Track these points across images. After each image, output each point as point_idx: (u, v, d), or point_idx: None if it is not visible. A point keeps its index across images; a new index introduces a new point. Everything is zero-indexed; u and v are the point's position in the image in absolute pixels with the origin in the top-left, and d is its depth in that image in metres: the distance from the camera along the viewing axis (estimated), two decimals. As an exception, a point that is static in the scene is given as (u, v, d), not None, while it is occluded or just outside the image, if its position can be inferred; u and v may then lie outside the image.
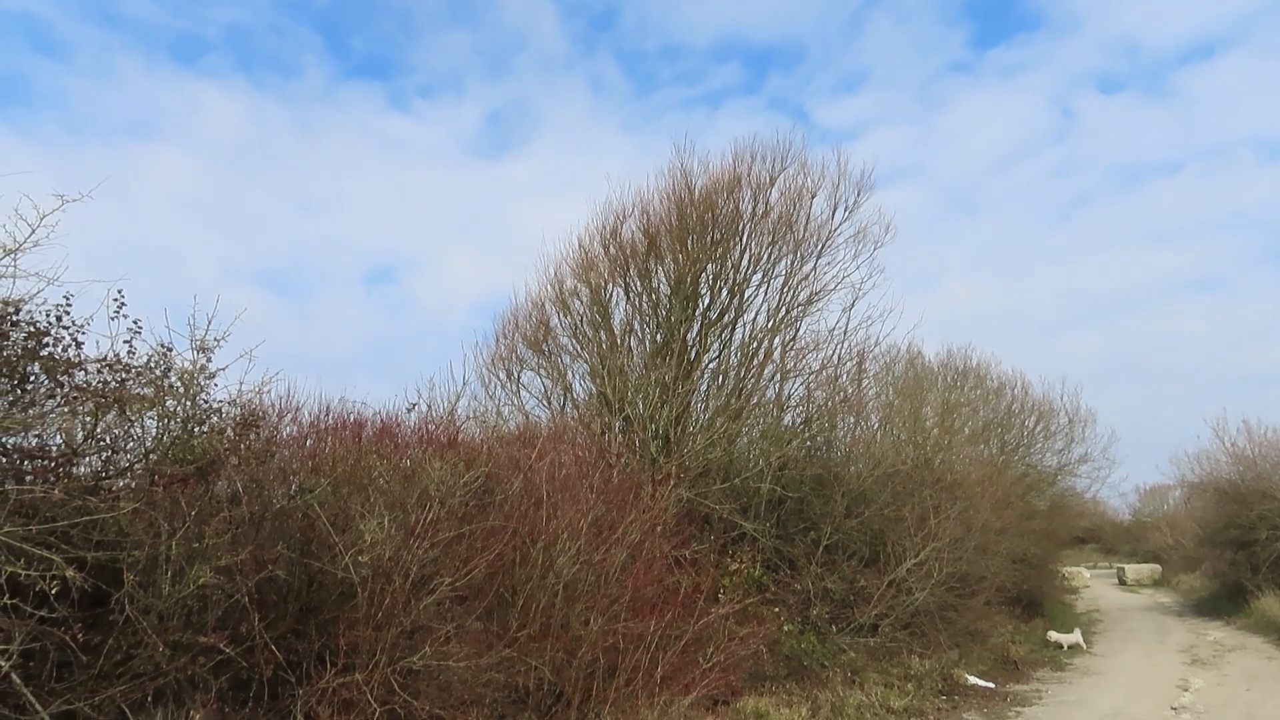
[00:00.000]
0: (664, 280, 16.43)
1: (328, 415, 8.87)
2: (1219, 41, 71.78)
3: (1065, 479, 29.03)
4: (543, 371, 16.70)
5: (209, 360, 7.10)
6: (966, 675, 13.97)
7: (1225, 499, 24.84)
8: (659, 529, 10.95)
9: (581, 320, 16.57)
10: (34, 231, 5.74)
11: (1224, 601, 24.72)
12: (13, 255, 5.79)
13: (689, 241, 16.25)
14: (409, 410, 10.28)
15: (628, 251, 16.43)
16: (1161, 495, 43.91)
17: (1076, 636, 18.55)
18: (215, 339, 7.06)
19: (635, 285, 16.53)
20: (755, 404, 16.42)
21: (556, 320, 16.79)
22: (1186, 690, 13.48)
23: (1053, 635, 18.55)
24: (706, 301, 16.39)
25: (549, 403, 16.51)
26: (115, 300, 6.45)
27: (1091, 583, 36.77)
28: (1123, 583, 37.47)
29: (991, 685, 13.90)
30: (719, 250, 16.36)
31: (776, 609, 13.43)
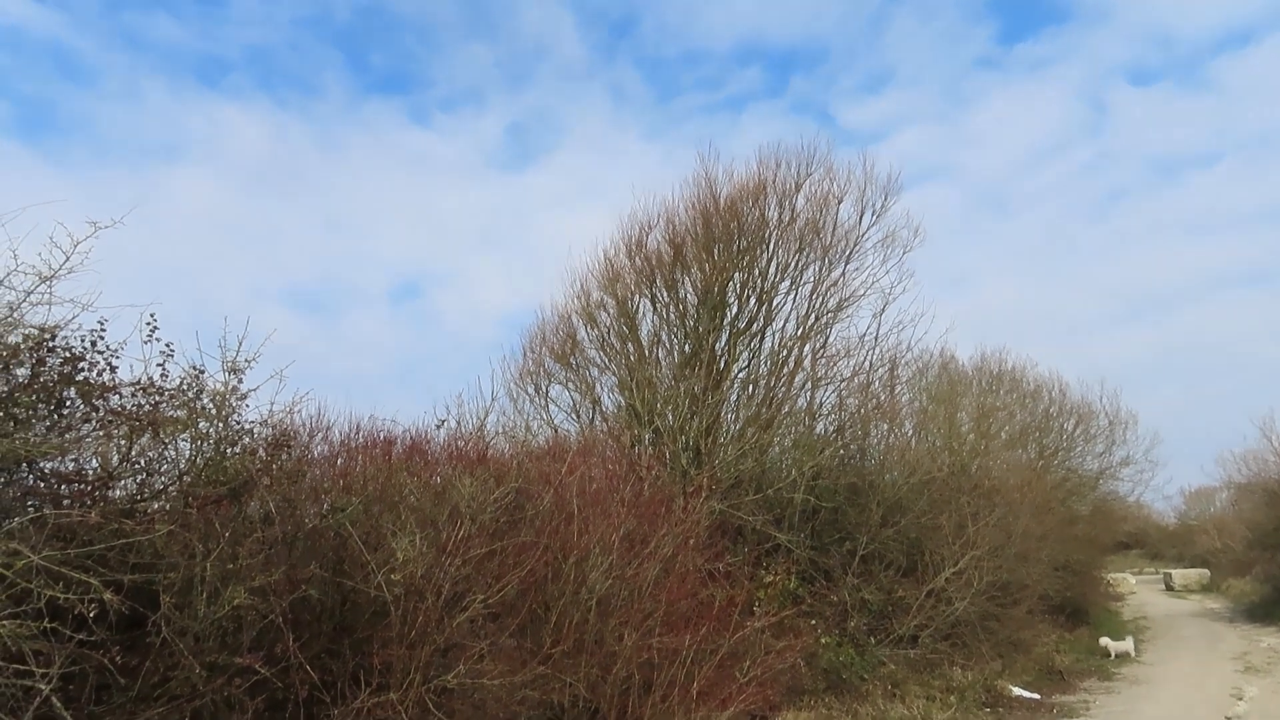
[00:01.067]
0: (691, 290, 16.50)
1: (358, 434, 8.89)
2: (1255, 28, 70.48)
3: (1107, 483, 28.54)
4: (571, 385, 16.79)
5: (240, 381, 7.15)
6: (1010, 686, 13.69)
7: (1275, 500, 24.20)
8: (692, 542, 10.86)
9: (609, 332, 16.65)
10: (68, 258, 5.85)
11: (1277, 606, 24.06)
12: (48, 282, 5.89)
13: (715, 250, 16.26)
14: (438, 427, 10.30)
15: (654, 262, 16.49)
16: (1208, 497, 42.85)
17: (1128, 644, 18.12)
18: (246, 360, 7.12)
19: (662, 296, 16.56)
20: (786, 413, 16.36)
21: (583, 333, 16.89)
22: (1240, 699, 13.11)
23: (1105, 642, 18.11)
24: (734, 310, 16.41)
25: (578, 416, 16.59)
26: (148, 324, 6.54)
27: (1137, 589, 35.96)
28: (1170, 588, 36.58)
29: (1037, 696, 13.62)
30: (746, 258, 16.35)
31: (813, 621, 13.28)
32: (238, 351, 7.09)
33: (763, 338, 16.55)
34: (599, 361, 16.68)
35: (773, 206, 16.60)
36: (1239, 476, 26.94)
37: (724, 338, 16.20)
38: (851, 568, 14.39)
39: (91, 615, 5.17)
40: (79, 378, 6.19)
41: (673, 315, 16.51)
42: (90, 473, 6.24)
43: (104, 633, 5.33)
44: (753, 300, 16.46)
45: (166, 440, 6.71)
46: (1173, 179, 78.40)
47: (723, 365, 16.13)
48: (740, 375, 16.45)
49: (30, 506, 5.65)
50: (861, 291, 16.84)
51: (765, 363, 16.53)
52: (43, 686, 4.93)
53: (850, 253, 16.91)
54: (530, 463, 10.29)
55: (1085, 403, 27.65)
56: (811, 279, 16.79)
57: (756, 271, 16.39)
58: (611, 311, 16.59)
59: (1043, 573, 17.49)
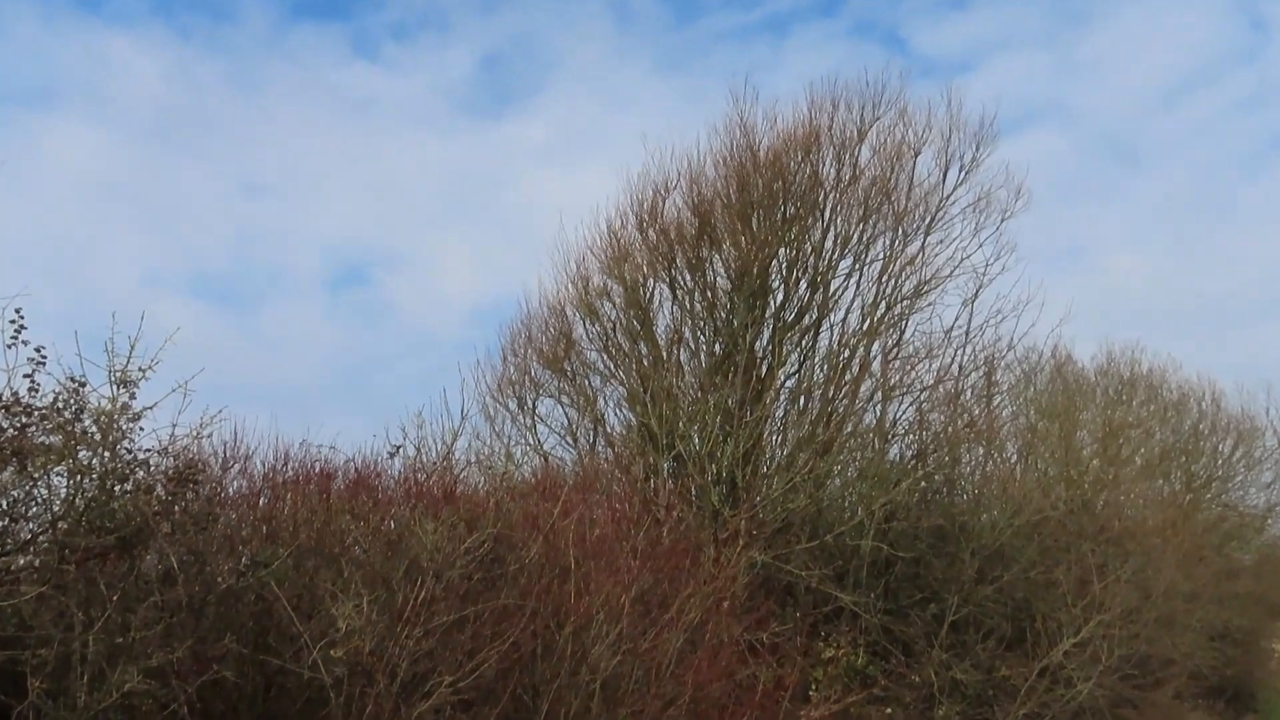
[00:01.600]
0: (722, 272, 16.45)
1: (286, 464, 8.88)
2: None
3: (1278, 524, 28.30)
4: (565, 398, 16.78)
5: (132, 397, 7.16)
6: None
7: None
8: (726, 605, 10.84)
9: (614, 329, 16.58)
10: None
11: None
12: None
13: (753, 219, 16.19)
14: (391, 455, 10.37)
15: (673, 236, 16.43)
16: None
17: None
18: (140, 369, 7.10)
19: (684, 280, 16.51)
20: (850, 433, 16.27)
21: (582, 330, 16.83)
22: None
23: None
24: (779, 298, 16.38)
25: (574, 440, 16.56)
26: (12, 322, 6.55)
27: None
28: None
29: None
30: (794, 230, 16.30)
31: (888, 710, 13.22)
32: (129, 357, 7.08)
33: (817, 334, 16.49)
34: (602, 367, 16.61)
35: (829, 161, 16.45)
36: None
37: (766, 334, 16.12)
38: (939, 638, 14.31)
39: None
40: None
41: (698, 305, 16.38)
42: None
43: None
44: (803, 285, 16.36)
45: (36, 475, 6.67)
46: (1360, 119, 77.61)
47: (765, 371, 16.03)
48: (788, 384, 16.43)
49: None
50: (947, 272, 16.76)
51: (821, 367, 16.47)
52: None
53: (931, 221, 16.83)
54: (513, 502, 10.28)
55: (1247, 416, 27.50)
56: (880, 255, 16.65)
57: (808, 247, 16.28)
58: (618, 301, 16.45)
59: (1194, 643, 17.34)
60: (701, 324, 16.50)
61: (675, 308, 16.55)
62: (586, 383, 16.69)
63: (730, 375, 15.64)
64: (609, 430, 16.56)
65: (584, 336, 16.86)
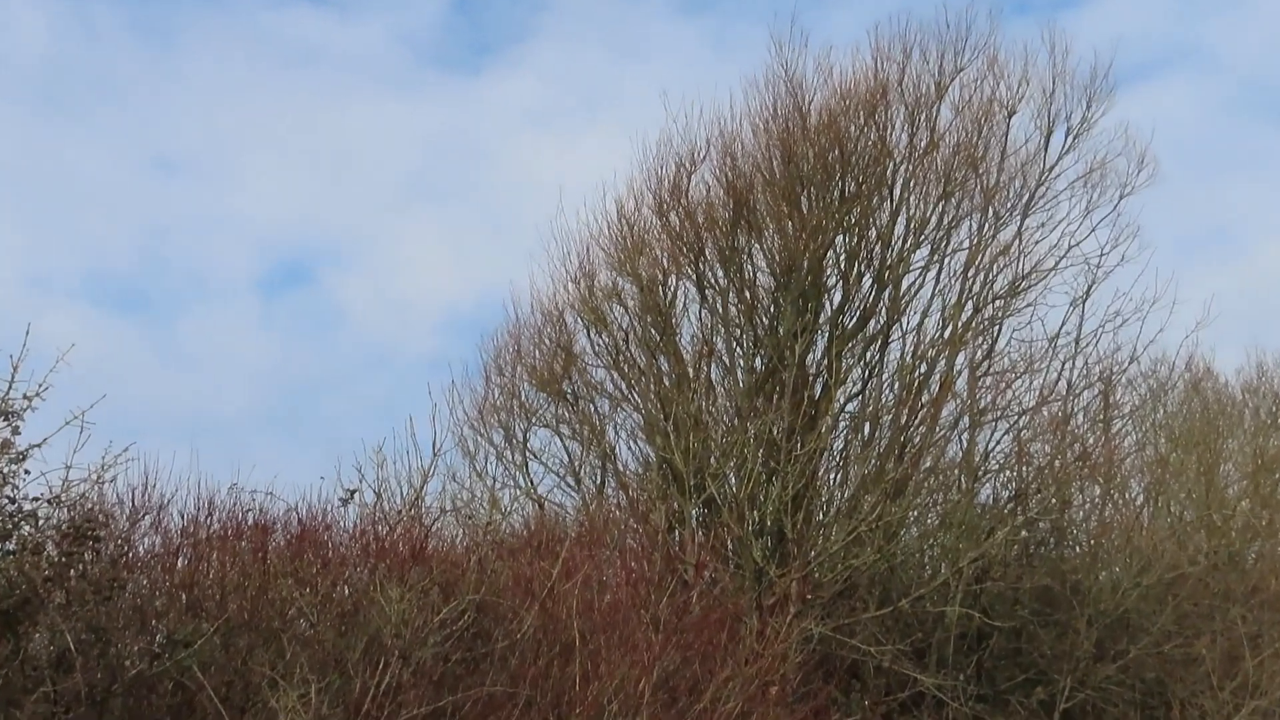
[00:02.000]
0: (764, 267, 16.37)
1: (211, 515, 8.84)
2: None
3: None
4: (565, 428, 16.66)
5: (15, 432, 7.13)
6: None
7: None
8: (774, 691, 10.72)
9: (627, 340, 16.39)
10: None
11: None
12: None
13: (803, 199, 16.07)
14: (345, 502, 10.40)
15: (701, 221, 16.31)
16: None
17: None
18: (26, 397, 7.10)
19: (715, 277, 16.42)
20: (929, 470, 16.12)
21: (586, 341, 16.70)
22: None
23: None
24: (837, 299, 16.27)
25: (577, 481, 16.44)
26: None
27: None
28: None
29: None
30: (854, 212, 16.20)
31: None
32: (10, 383, 7.06)
33: (885, 344, 16.37)
34: (611, 388, 16.46)
35: (899, 124, 16.35)
36: None
37: (820, 345, 15.97)
38: (1047, 731, 14.04)
39: None
40: None
41: (734, 309, 16.25)
42: None
43: None
44: (867, 281, 16.29)
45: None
46: None
47: (819, 391, 15.96)
48: (849, 408, 16.31)
49: None
50: (1051, 263, 16.59)
51: (891, 386, 16.36)
52: None
53: (1031, 199, 16.69)
54: (500, 560, 10.23)
55: None
56: (966, 244, 16.49)
57: (873, 233, 16.19)
58: (632, 305, 16.32)
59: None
60: (738, 332, 16.36)
61: (704, 312, 16.44)
62: (592, 408, 16.54)
63: (775, 397, 15.50)
64: (621, 468, 16.40)
65: (588, 349, 16.70)
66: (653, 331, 16.39)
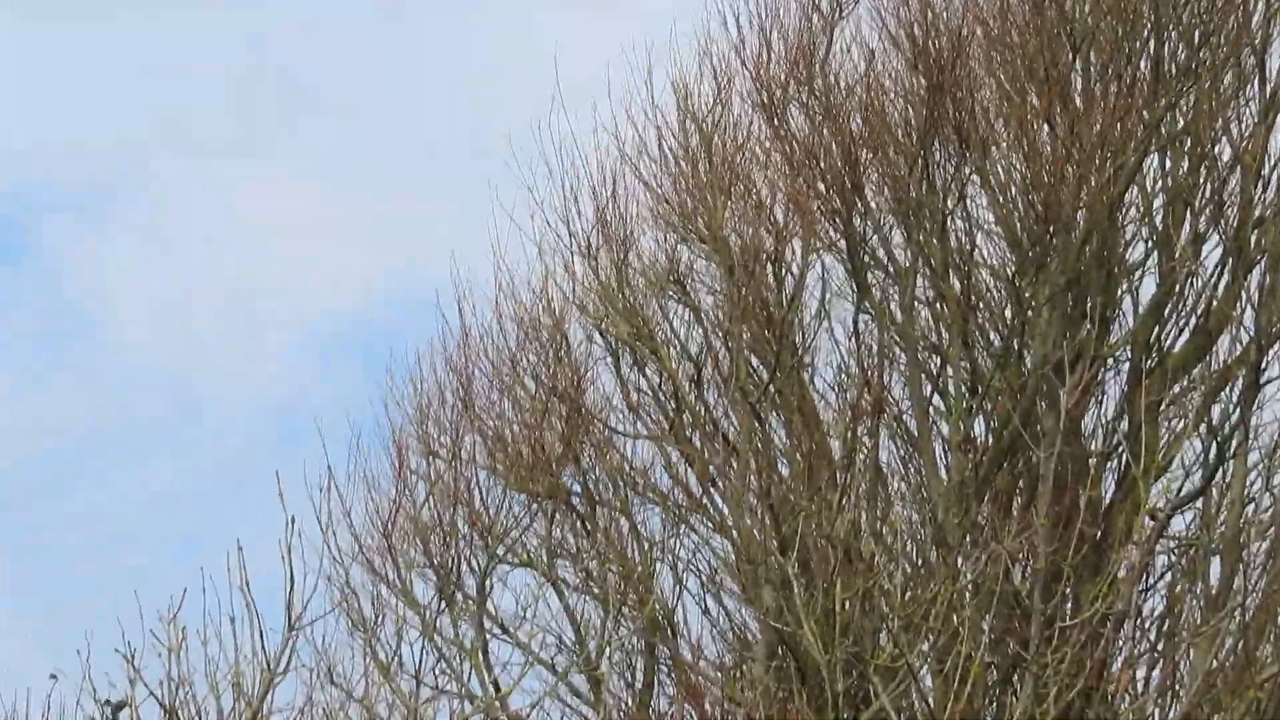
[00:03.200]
0: (991, 222, 11.50)
1: None
2: None
3: None
4: (567, 565, 11.57)
5: None
6: None
7: None
8: None
9: (699, 379, 11.46)
10: None
11: None
12: None
13: (1077, 76, 11.08)
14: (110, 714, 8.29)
15: (858, 130, 11.23)
16: None
17: None
18: None
19: (887, 244, 11.34)
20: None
21: (610, 376, 11.57)
22: None
23: None
24: (1149, 292, 11.41)
25: (594, 682, 11.13)
26: None
27: None
28: None
29: None
30: (1186, 102, 11.12)
31: None
32: None
33: (1256, 387, 10.82)
34: (669, 483, 11.27)
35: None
36: None
37: (1115, 389, 11.32)
38: None
39: None
40: None
41: (926, 310, 11.48)
42: None
43: None
44: (1214, 249, 11.06)
45: None
46: None
47: (1113, 487, 10.99)
48: (1177, 523, 11.11)
49: None
50: None
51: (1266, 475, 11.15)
52: None
53: None
54: None
55: None
56: None
57: (1234, 129, 11.21)
58: (714, 302, 11.48)
59: None
60: (936, 361, 11.51)
61: (862, 318, 11.14)
62: (626, 525, 11.07)
63: (1018, 501, 10.85)
64: (686, 650, 10.95)
65: (617, 397, 11.39)
66: (753, 361, 10.98)
